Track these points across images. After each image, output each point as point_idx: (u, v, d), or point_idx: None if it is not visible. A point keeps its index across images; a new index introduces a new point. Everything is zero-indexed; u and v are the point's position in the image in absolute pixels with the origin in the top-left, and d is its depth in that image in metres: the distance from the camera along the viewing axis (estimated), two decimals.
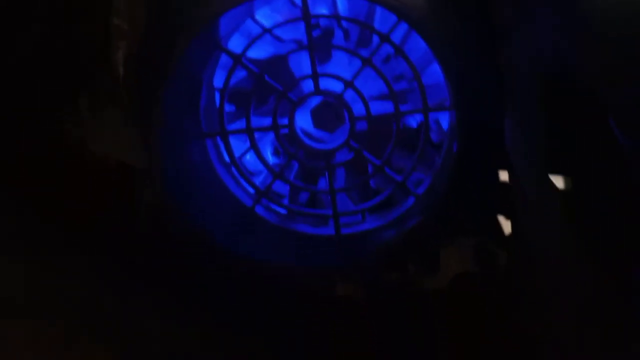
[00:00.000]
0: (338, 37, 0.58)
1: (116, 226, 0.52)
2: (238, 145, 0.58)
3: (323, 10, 0.56)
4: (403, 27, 0.53)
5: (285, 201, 0.59)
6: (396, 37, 0.53)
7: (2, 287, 0.46)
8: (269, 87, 0.54)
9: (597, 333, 0.40)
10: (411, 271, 0.56)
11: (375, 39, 0.55)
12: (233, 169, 0.58)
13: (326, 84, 0.54)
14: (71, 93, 0.52)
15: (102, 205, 0.52)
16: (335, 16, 0.54)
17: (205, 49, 0.53)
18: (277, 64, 0.54)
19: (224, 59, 0.55)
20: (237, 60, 0.52)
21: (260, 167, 0.58)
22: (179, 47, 0.48)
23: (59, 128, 0.52)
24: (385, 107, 0.55)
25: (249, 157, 0.60)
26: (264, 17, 0.55)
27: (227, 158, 0.57)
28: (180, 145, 0.54)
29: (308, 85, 0.55)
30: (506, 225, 0.55)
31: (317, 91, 0.53)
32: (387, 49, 0.54)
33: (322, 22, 0.57)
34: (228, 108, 0.57)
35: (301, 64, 0.55)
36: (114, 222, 0.52)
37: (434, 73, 0.54)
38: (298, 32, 0.56)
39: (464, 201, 0.53)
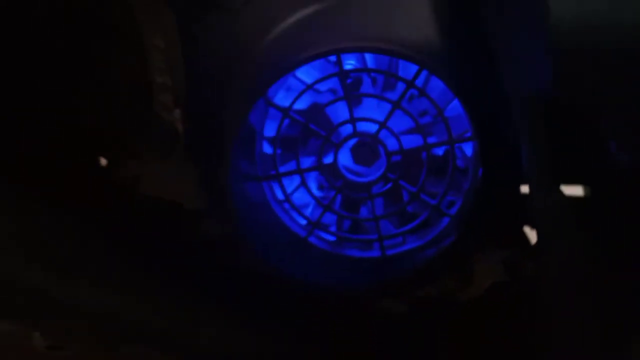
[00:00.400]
0: (367, 84, 0.66)
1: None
2: (287, 183, 0.66)
3: (352, 61, 0.65)
4: (424, 73, 0.61)
5: (332, 229, 0.67)
6: (419, 80, 0.61)
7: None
8: (312, 132, 0.63)
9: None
10: (448, 285, 0.63)
11: (400, 82, 0.63)
12: (285, 204, 0.66)
13: (361, 125, 0.63)
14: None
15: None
16: (365, 69, 0.62)
17: (259, 106, 0.62)
18: (316, 111, 0.63)
19: (271, 111, 0.64)
20: (286, 113, 0.61)
21: (307, 200, 0.66)
22: (242, 112, 0.56)
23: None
24: (415, 139, 0.63)
25: (297, 193, 0.68)
26: (303, 73, 0.64)
27: (279, 196, 0.66)
28: (241, 188, 0.63)
29: (345, 128, 0.63)
30: (532, 237, 0.62)
31: (355, 134, 0.62)
32: (411, 90, 0.62)
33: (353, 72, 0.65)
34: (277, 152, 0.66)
35: (337, 109, 0.64)
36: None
37: (456, 106, 0.62)
38: (332, 82, 0.65)
39: (492, 218, 0.60)
